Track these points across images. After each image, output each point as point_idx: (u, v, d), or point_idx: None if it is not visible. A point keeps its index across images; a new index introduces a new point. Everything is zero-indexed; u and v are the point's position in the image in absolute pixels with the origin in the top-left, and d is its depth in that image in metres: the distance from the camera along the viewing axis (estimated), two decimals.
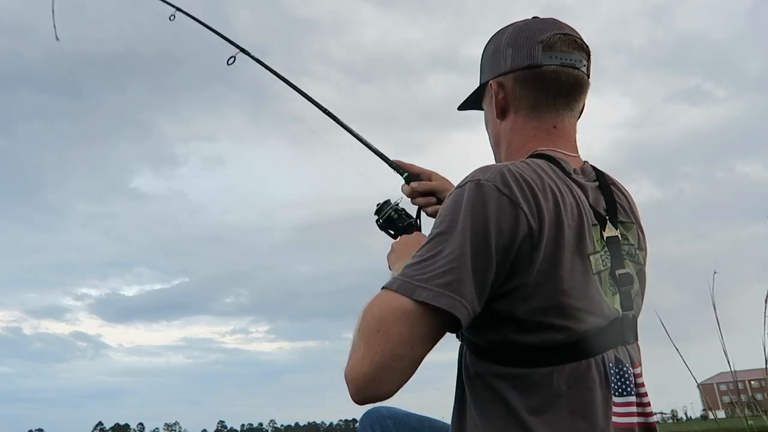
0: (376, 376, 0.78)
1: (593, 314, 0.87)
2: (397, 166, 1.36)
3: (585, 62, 1.03)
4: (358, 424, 1.23)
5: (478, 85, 1.13)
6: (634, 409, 0.87)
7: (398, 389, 0.82)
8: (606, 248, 0.92)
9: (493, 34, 1.10)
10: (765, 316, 2.06)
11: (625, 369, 0.88)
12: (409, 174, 1.33)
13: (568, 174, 0.95)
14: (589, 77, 1.04)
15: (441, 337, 0.84)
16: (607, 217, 0.95)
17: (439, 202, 1.28)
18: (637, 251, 1.00)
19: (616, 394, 0.86)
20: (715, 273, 2.08)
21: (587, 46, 1.04)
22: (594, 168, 1.03)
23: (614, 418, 0.85)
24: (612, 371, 0.87)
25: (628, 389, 0.87)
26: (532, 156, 0.98)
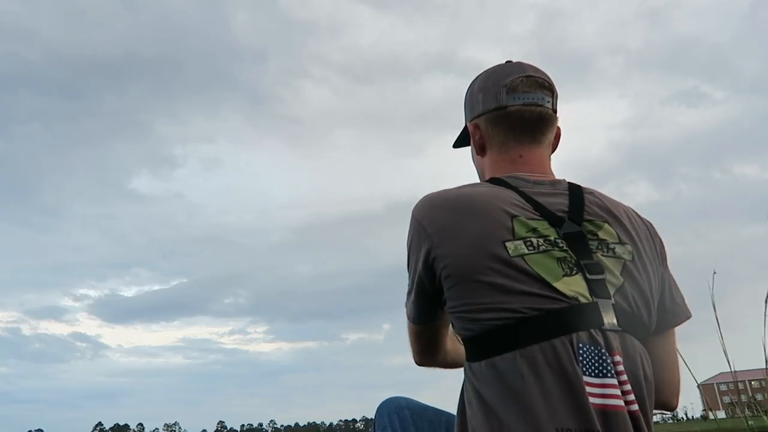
0: (421, 363, 1.24)
1: (527, 293, 0.92)
2: None
3: (549, 99, 1.16)
4: (375, 412, 1.22)
5: (464, 126, 1.27)
6: (616, 391, 0.86)
7: (440, 363, 1.23)
8: (563, 240, 0.99)
9: (473, 78, 1.25)
10: (765, 316, 2.06)
11: (602, 352, 0.88)
12: None
13: (513, 187, 1.06)
14: (555, 112, 1.17)
15: (431, 329, 1.16)
16: (566, 216, 1.03)
17: None
18: (615, 245, 1.02)
19: (591, 374, 0.86)
20: (714, 273, 2.09)
21: (550, 84, 1.17)
22: (573, 185, 1.12)
23: (591, 399, 0.85)
24: (583, 351, 0.88)
25: (605, 371, 0.87)
26: (487, 181, 1.12)
